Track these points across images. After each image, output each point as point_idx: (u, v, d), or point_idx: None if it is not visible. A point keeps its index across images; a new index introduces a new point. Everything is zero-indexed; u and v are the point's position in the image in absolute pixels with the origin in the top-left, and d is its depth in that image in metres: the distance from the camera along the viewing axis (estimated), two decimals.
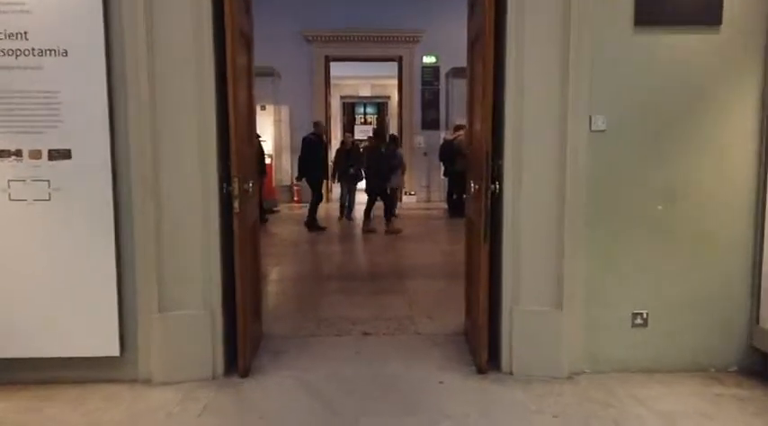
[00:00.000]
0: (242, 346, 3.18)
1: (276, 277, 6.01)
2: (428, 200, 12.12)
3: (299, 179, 9.14)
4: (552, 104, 3.14)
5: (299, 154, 9.08)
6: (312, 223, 8.71)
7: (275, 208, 10.77)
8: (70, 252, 3.10)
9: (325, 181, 9.38)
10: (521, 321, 3.24)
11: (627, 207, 3.27)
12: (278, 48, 10.73)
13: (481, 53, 3.20)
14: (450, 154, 10.21)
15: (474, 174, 3.46)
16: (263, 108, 10.76)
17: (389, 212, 8.71)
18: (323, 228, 8.69)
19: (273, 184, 11.08)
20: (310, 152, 8.79)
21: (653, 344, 3.31)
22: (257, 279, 3.83)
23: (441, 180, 11.51)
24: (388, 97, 19.73)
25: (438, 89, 12.26)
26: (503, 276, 3.27)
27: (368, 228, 8.63)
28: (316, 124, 9.47)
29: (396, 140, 9.36)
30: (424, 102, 12.35)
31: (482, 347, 3.27)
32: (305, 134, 9.12)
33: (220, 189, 3.20)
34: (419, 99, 12.34)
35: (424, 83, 12.30)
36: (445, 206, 10.82)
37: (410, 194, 12.07)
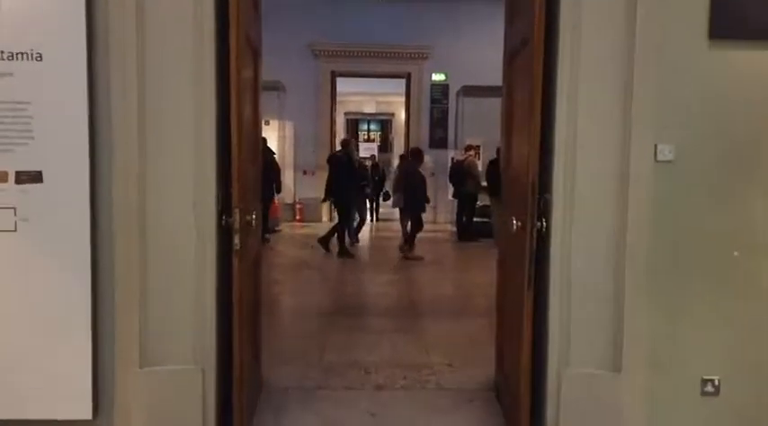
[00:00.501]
0: (238, 413, 2.66)
1: (278, 309, 5.48)
2: (434, 222, 11.62)
3: (324, 200, 8.45)
4: (611, 129, 2.67)
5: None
6: (342, 248, 8.10)
7: (277, 228, 10.31)
8: (38, 293, 2.61)
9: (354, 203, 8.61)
10: (570, 386, 2.73)
11: (697, 252, 2.77)
12: (284, 61, 10.31)
13: (528, 62, 2.73)
14: (460, 175, 9.87)
15: (515, 209, 2.97)
16: (267, 123, 10.36)
17: (413, 237, 8.25)
18: (329, 250, 8.19)
19: (276, 203, 10.61)
20: (340, 172, 8.11)
21: (725, 416, 2.79)
22: (258, 322, 3.32)
23: (448, 201, 11.09)
24: (393, 114, 19.47)
25: (447, 107, 11.94)
26: (549, 331, 2.77)
27: (413, 256, 8.06)
28: (344, 142, 8.79)
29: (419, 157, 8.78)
30: (432, 121, 12.01)
31: (523, 417, 2.75)
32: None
33: (218, 220, 2.72)
34: (427, 117, 12.01)
35: (432, 101, 11.98)
36: (453, 228, 10.39)
37: None
